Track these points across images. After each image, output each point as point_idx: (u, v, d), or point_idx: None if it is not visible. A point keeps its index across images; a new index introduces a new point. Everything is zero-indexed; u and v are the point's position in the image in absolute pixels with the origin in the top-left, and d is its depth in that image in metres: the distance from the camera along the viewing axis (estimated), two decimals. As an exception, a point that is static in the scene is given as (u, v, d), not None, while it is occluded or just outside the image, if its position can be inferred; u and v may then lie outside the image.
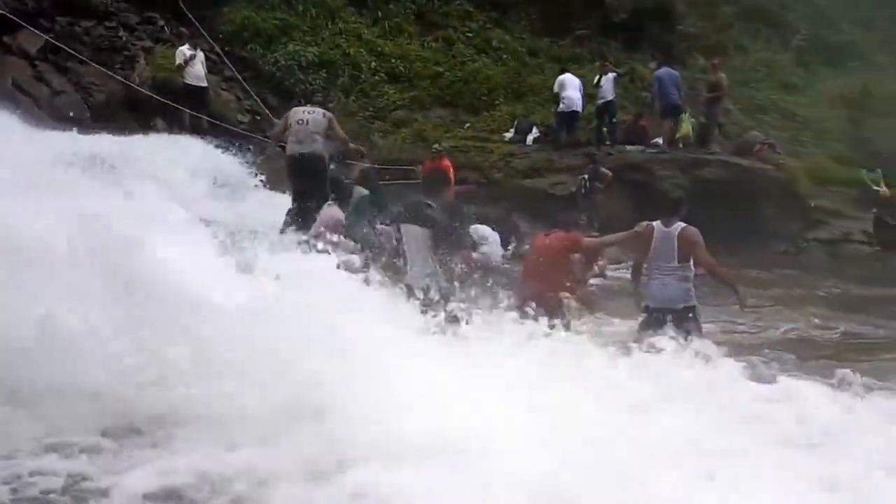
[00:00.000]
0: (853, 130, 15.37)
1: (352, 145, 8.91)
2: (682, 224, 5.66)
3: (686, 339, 5.43)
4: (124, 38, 12.42)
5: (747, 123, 14.43)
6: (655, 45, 15.31)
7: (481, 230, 10.01)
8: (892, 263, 11.67)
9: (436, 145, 11.98)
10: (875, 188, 13.02)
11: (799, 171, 13.33)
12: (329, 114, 8.41)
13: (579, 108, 12.70)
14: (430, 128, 13.55)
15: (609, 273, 9.16)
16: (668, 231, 5.65)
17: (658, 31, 15.73)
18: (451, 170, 10.67)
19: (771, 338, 6.41)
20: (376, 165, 10.15)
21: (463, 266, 9.02)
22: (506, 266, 9.01)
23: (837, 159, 14.60)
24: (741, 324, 6.93)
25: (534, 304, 5.98)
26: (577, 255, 6.94)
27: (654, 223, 5.74)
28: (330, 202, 7.18)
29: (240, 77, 12.73)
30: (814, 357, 5.74)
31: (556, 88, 12.63)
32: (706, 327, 6.10)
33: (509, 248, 9.10)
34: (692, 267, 5.61)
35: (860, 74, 16.37)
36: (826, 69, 16.73)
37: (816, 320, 7.37)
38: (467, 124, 13.78)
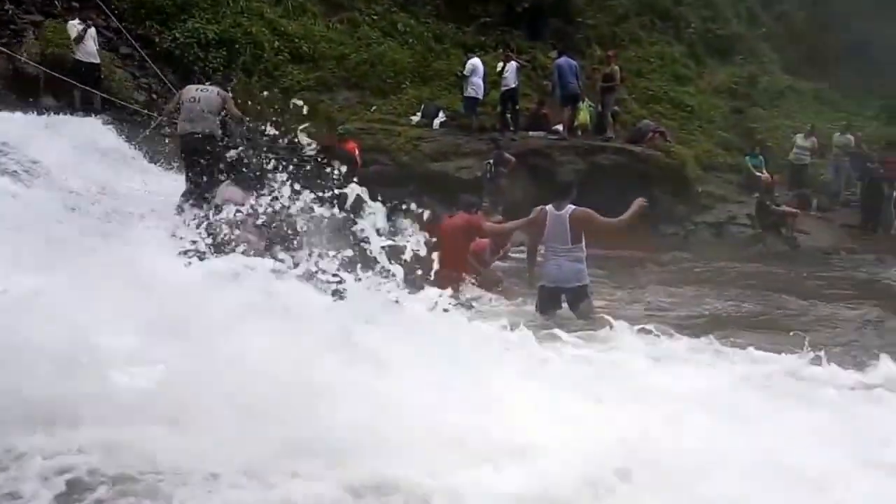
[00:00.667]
0: (738, 120, 16.45)
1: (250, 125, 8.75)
2: (573, 206, 5.94)
3: (578, 316, 5.81)
4: (10, 12, 11.64)
5: (641, 112, 15.13)
6: (556, 36, 15.78)
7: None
8: (772, 244, 12.64)
9: (341, 127, 11.90)
10: (757, 174, 13.95)
11: (688, 157, 14.13)
12: (224, 93, 8.25)
13: (481, 95, 13.04)
14: (335, 110, 13.45)
15: (512, 255, 9.48)
16: (560, 214, 5.92)
17: (558, 21, 16.21)
18: (357, 152, 10.79)
19: (659, 313, 6.82)
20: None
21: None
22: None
23: (723, 147, 15.59)
24: (632, 300, 7.31)
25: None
26: (485, 240, 7.18)
27: (547, 207, 6.01)
28: (229, 181, 7.07)
29: (142, 53, 12.18)
30: (700, 329, 6.15)
31: (466, 71, 12.86)
32: (597, 303, 6.39)
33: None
34: (584, 248, 5.93)
35: (745, 67, 17.51)
36: (714, 61, 17.76)
37: (700, 296, 7.84)
38: (374, 107, 13.77)
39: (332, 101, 13.79)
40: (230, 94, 8.63)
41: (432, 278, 6.10)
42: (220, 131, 7.95)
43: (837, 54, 18.83)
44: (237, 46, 13.48)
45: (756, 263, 10.84)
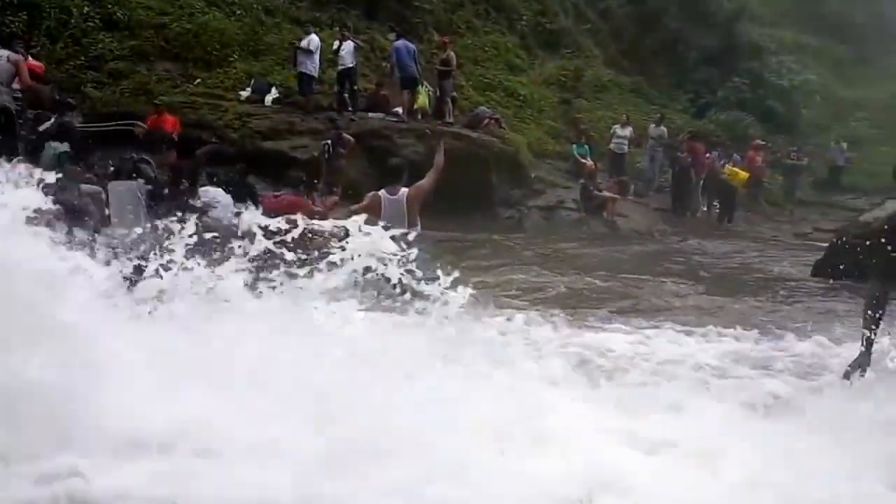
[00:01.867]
0: (565, 110, 17.25)
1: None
2: (406, 189, 5.84)
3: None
4: None
5: (478, 99, 15.38)
6: (393, 18, 15.58)
7: (212, 192, 9.38)
8: (595, 226, 13.38)
9: (158, 100, 10.88)
10: (582, 161, 14.72)
11: (522, 144, 14.58)
12: (16, 56, 7.17)
13: (317, 73, 12.56)
14: (154, 81, 12.30)
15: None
16: (395, 198, 5.79)
17: (396, 4, 16.03)
18: (176, 126, 9.86)
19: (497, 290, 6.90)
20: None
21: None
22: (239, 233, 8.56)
23: (553, 135, 16.28)
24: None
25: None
26: None
27: (381, 192, 5.87)
28: (20, 158, 6.13)
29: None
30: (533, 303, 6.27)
31: (312, 46, 12.31)
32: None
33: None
34: (419, 231, 5.75)
35: (572, 60, 18.38)
36: (545, 53, 18.48)
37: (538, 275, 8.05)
38: (198, 80, 12.75)
39: (149, 71, 12.60)
40: (24, 59, 7.51)
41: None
42: (14, 104, 6.83)
43: (652, 51, 20.38)
44: (41, 10, 11.99)
45: (581, 244, 11.45)
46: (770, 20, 23.04)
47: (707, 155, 15.68)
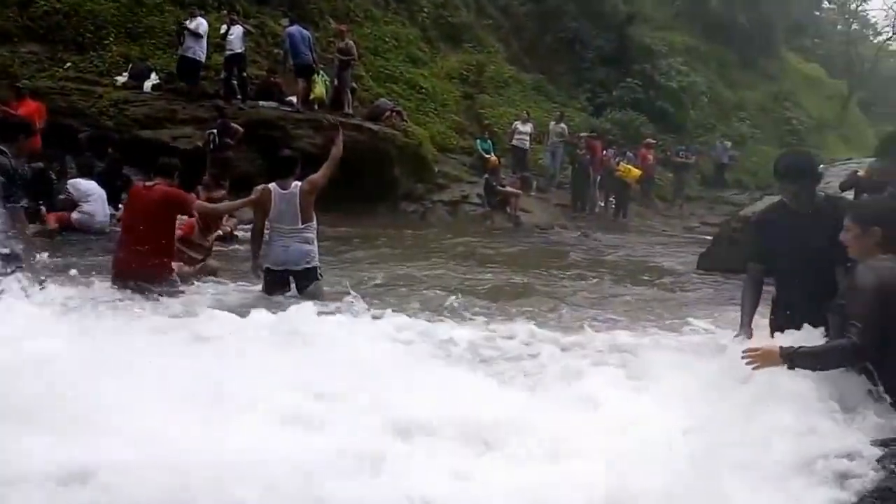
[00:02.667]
0: (469, 105, 17.09)
1: None
2: (298, 182, 5.46)
3: (306, 298, 5.25)
4: None
5: (379, 91, 14.92)
6: (286, 2, 14.87)
7: (83, 185, 8.49)
8: (498, 221, 13.28)
9: (21, 83, 9.78)
10: (486, 156, 14.60)
11: (425, 138, 14.28)
12: None
13: (203, 58, 11.79)
14: (17, 64, 11.08)
15: (240, 234, 8.53)
16: (286, 193, 5.42)
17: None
18: (41, 112, 8.87)
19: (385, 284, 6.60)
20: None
21: (53, 224, 7.41)
22: (114, 228, 7.80)
23: (457, 130, 16.07)
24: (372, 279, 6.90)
25: (132, 275, 5.14)
26: (192, 219, 6.09)
27: (271, 185, 5.45)
28: None
29: None
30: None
31: (201, 29, 11.46)
32: (334, 280, 6.01)
33: (120, 206, 7.88)
34: (314, 227, 5.54)
35: (474, 55, 18.24)
36: (447, 46, 18.24)
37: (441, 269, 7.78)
38: (68, 63, 11.59)
39: (12, 53, 11.34)
40: None
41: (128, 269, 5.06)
42: None
43: (552, 49, 20.60)
44: None
45: (484, 238, 11.29)
46: (661, 23, 23.86)
47: (604, 152, 15.97)
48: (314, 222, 5.54)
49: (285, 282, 5.43)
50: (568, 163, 16.33)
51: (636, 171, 15.86)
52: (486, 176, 13.82)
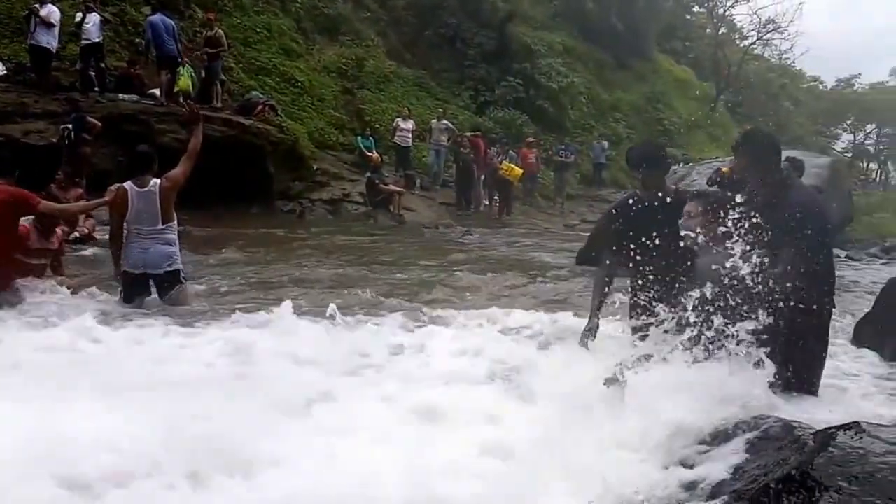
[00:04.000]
0: (348, 100, 17.10)
1: None
2: (157, 180, 5.31)
3: (168, 303, 5.25)
4: None
5: (250, 83, 14.68)
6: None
7: None
8: (381, 220, 13.40)
9: None
10: (368, 154, 14.70)
11: (301, 133, 14.18)
12: None
13: (55, 48, 11.20)
14: None
15: (99, 236, 8.17)
16: (145, 191, 5.26)
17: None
18: None
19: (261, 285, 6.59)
20: None
21: None
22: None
23: (336, 126, 16.05)
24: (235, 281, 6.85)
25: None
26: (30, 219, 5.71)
27: (127, 184, 5.27)
28: None
29: None
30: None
31: (50, 17, 10.82)
32: (197, 287, 6.00)
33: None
34: (175, 228, 5.43)
35: (353, 49, 18.26)
36: (323, 39, 18.15)
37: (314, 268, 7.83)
38: None
39: None
40: None
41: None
42: None
43: (433, 45, 20.97)
44: None
45: (366, 237, 11.41)
46: (540, 23, 24.85)
47: (487, 151, 16.50)
48: (175, 222, 5.41)
49: (145, 287, 5.29)
50: (452, 161, 16.73)
51: (518, 171, 16.50)
52: (369, 174, 13.92)
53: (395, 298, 6.11)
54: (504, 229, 14.58)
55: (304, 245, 9.94)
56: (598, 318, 3.79)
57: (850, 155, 45.05)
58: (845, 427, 2.12)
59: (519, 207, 17.17)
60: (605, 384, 3.05)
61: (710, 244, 3.25)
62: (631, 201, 3.95)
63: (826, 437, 2.11)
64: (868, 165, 47.51)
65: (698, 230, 3.37)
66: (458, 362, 4.03)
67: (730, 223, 3.11)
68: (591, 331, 3.82)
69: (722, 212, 3.17)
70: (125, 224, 5.28)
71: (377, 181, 13.78)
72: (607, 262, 3.96)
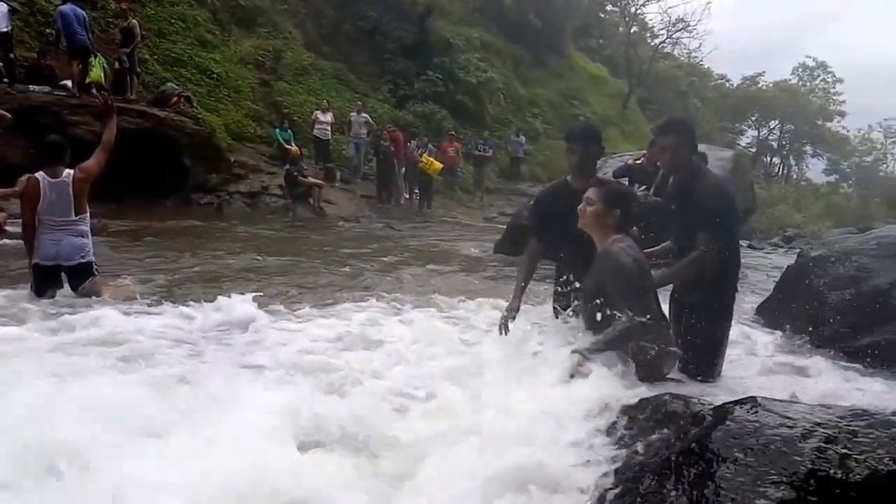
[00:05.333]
0: (266, 92, 17.29)
1: None
2: (71, 170, 5.41)
3: (81, 295, 5.35)
4: None
5: (165, 75, 14.72)
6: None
7: None
8: (301, 213, 13.75)
9: None
10: (287, 146, 14.97)
11: (218, 126, 14.35)
12: None
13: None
14: None
15: (11, 228, 8.23)
16: (57, 182, 5.35)
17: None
18: None
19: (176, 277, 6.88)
20: None
21: None
22: None
23: (254, 118, 16.24)
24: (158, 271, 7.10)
25: None
26: None
27: (39, 174, 5.36)
28: None
29: None
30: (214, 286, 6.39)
31: None
32: (123, 280, 6.09)
33: None
34: (88, 220, 5.52)
35: (270, 41, 18.43)
36: (240, 30, 18.24)
37: (232, 261, 8.11)
38: None
39: None
40: None
41: None
42: None
43: (352, 38, 21.33)
44: None
45: (285, 230, 11.77)
46: (459, 18, 25.55)
47: (407, 144, 17.07)
48: (88, 214, 5.50)
49: (57, 279, 5.36)
50: (372, 154, 17.20)
51: (437, 165, 17.13)
52: (287, 166, 14.19)
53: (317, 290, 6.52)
54: (424, 222, 15.18)
55: (223, 238, 10.21)
56: (520, 301, 3.94)
57: (754, 150, 48.12)
58: (741, 402, 2.24)
59: (439, 201, 17.81)
60: (571, 377, 3.09)
61: (595, 232, 3.33)
62: (557, 189, 4.09)
63: (723, 411, 2.23)
64: (771, 160, 50.80)
65: (581, 220, 3.40)
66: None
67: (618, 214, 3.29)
68: (511, 311, 3.89)
69: (616, 205, 3.29)
70: (36, 215, 5.32)
71: (297, 174, 14.06)
72: (531, 251, 4.08)
